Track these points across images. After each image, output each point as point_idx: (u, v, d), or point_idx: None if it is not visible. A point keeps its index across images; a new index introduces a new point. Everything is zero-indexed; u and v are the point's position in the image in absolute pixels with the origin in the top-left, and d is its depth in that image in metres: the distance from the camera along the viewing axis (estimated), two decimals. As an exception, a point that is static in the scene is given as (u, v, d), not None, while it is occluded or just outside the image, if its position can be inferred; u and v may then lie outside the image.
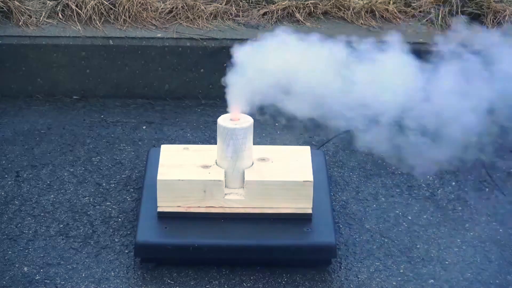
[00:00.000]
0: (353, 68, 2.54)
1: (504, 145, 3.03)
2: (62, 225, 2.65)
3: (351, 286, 2.45)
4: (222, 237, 2.47)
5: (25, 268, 2.47)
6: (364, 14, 3.44)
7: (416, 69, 2.59)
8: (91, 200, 2.76)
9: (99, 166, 2.93)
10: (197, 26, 3.38)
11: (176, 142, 3.08)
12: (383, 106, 2.56)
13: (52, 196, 2.78)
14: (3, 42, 3.28)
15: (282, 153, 2.65)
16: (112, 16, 3.38)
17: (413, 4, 3.52)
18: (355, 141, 2.82)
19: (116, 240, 2.59)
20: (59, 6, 3.39)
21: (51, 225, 2.65)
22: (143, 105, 3.31)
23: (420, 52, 2.72)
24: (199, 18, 3.40)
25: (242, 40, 2.97)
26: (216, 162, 2.56)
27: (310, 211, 2.52)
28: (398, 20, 3.46)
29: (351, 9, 3.45)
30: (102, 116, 3.23)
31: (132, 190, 2.81)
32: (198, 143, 3.05)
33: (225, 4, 3.46)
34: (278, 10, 3.43)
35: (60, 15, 3.38)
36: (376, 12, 3.46)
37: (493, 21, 3.43)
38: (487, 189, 2.84)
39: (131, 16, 3.38)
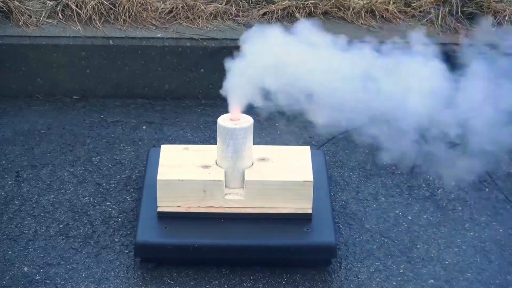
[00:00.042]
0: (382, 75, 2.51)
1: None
2: (62, 225, 2.65)
3: (351, 286, 2.45)
4: (222, 237, 2.47)
5: (25, 268, 2.47)
6: (364, 14, 3.44)
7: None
8: (91, 200, 2.76)
9: (99, 166, 2.93)
10: (197, 26, 3.38)
11: (176, 142, 3.08)
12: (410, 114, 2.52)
13: (52, 196, 2.78)
14: (3, 42, 3.28)
15: (282, 153, 2.64)
16: (112, 16, 3.38)
17: (413, 4, 3.52)
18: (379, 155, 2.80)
19: (116, 240, 2.59)
20: (59, 6, 3.39)
21: (51, 225, 2.65)
22: (143, 105, 3.31)
23: (447, 53, 2.69)
24: (199, 18, 3.40)
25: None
26: (216, 162, 2.56)
27: (310, 211, 2.52)
28: (398, 20, 3.46)
29: (351, 9, 3.45)
30: (102, 116, 3.23)
31: (132, 190, 2.81)
32: (198, 143, 3.05)
33: (225, 4, 3.46)
34: (278, 10, 3.43)
35: (60, 15, 3.38)
36: (376, 12, 3.46)
37: (493, 21, 3.43)
38: (487, 189, 2.84)
39: (131, 16, 3.38)
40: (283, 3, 3.45)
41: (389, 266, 2.51)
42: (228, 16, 3.43)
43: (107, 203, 2.75)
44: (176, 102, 3.33)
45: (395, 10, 3.48)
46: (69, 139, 3.08)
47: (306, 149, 2.67)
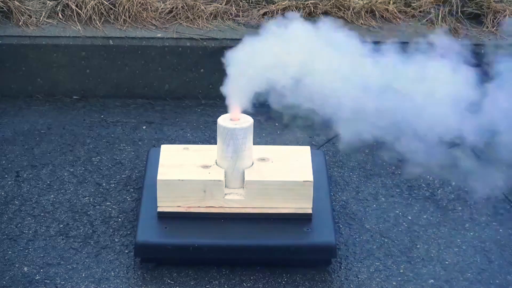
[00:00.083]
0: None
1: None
2: (62, 225, 2.65)
3: (351, 286, 2.45)
4: (222, 237, 2.47)
5: (25, 268, 2.47)
6: (364, 14, 3.44)
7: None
8: (91, 200, 2.76)
9: (99, 166, 2.93)
10: (197, 26, 3.38)
11: (176, 142, 3.08)
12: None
13: (52, 196, 2.78)
14: (3, 42, 3.28)
15: (282, 153, 2.65)
16: (112, 16, 3.38)
17: (413, 4, 3.52)
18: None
19: (116, 240, 2.59)
20: (59, 6, 3.39)
21: (51, 225, 2.65)
22: (143, 105, 3.31)
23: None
24: (199, 18, 3.40)
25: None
26: (216, 162, 2.56)
27: (310, 211, 2.52)
28: (398, 20, 3.46)
29: (351, 9, 3.45)
30: (102, 116, 3.23)
31: (132, 190, 2.81)
32: (198, 143, 3.05)
33: (225, 4, 3.46)
34: (278, 10, 3.43)
35: (60, 15, 3.38)
36: (376, 12, 3.46)
37: (493, 21, 3.43)
38: (487, 189, 2.83)
39: (131, 16, 3.38)
40: (283, 3, 3.45)
41: (389, 266, 2.51)
42: (228, 16, 3.43)
43: (107, 203, 2.75)
44: (176, 102, 3.33)
45: (395, 10, 3.48)
46: (69, 139, 3.08)
47: (306, 149, 2.67)
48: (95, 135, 3.11)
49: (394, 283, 2.46)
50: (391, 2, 3.50)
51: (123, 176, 2.88)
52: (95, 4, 3.37)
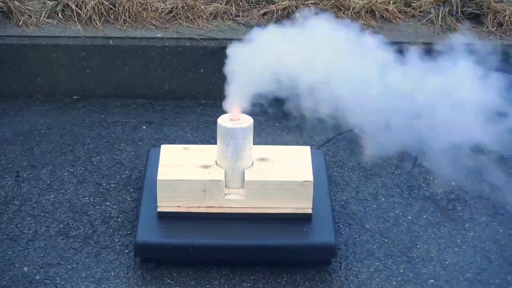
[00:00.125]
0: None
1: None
2: (62, 225, 2.65)
3: (351, 286, 2.45)
4: (222, 237, 2.47)
5: (25, 268, 2.47)
6: (364, 14, 3.44)
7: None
8: (91, 200, 2.76)
9: (99, 166, 2.93)
10: (197, 26, 3.38)
11: (176, 142, 3.08)
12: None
13: (52, 196, 2.78)
14: (3, 42, 3.29)
15: (282, 153, 2.64)
16: (112, 16, 3.38)
17: (413, 4, 3.52)
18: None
19: (116, 240, 2.59)
20: (59, 6, 3.39)
21: (51, 225, 2.65)
22: (143, 105, 3.31)
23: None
24: (199, 18, 3.40)
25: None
26: (216, 162, 2.56)
27: (310, 211, 2.52)
28: (398, 20, 3.46)
29: (351, 9, 3.45)
30: (102, 116, 3.23)
31: (132, 190, 2.81)
32: (198, 143, 3.05)
33: (225, 4, 3.46)
34: (278, 10, 3.43)
35: (60, 15, 3.38)
36: (376, 12, 3.46)
37: (493, 21, 3.43)
38: (487, 189, 2.83)
39: (131, 16, 3.38)
40: (283, 3, 3.45)
41: (389, 266, 2.51)
42: (228, 16, 3.43)
43: (107, 203, 2.75)
44: (176, 102, 3.33)
45: (395, 10, 3.48)
46: (69, 139, 3.08)
47: (306, 149, 2.67)
48: (95, 135, 3.11)
49: (394, 283, 2.46)
50: (391, 2, 3.50)
51: (123, 176, 2.88)
52: (95, 4, 3.37)
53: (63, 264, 2.49)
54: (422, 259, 2.54)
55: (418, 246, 2.60)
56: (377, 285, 2.45)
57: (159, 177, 2.51)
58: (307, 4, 3.45)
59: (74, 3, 3.38)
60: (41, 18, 3.37)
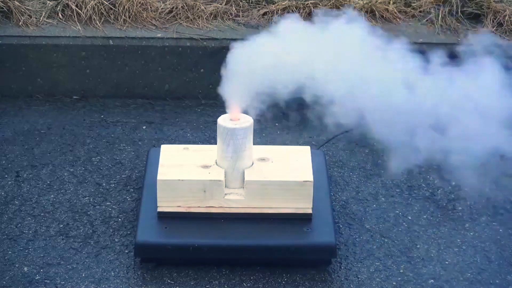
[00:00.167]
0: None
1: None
2: (62, 225, 2.65)
3: (351, 286, 2.45)
4: (222, 237, 2.47)
5: (25, 268, 2.47)
6: (364, 14, 3.44)
7: None
8: (91, 200, 2.76)
9: (99, 166, 2.93)
10: (197, 26, 3.38)
11: (176, 142, 3.08)
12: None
13: (52, 196, 2.78)
14: (3, 42, 3.29)
15: (282, 153, 2.64)
16: (112, 16, 3.38)
17: (413, 4, 3.52)
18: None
19: (116, 240, 2.59)
20: (59, 6, 3.39)
21: (51, 225, 2.65)
22: (143, 105, 3.31)
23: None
24: (199, 18, 3.40)
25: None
26: (216, 162, 2.56)
27: (310, 211, 2.52)
28: (398, 20, 3.46)
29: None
30: (102, 116, 3.23)
31: (132, 190, 2.81)
32: (198, 143, 3.05)
33: (225, 4, 3.46)
34: (278, 10, 3.43)
35: (60, 15, 3.38)
36: (376, 12, 3.46)
37: (493, 21, 3.43)
38: (487, 189, 2.83)
39: (131, 16, 3.38)
40: (283, 3, 3.45)
41: (389, 266, 2.51)
42: (228, 16, 3.43)
43: (107, 203, 2.75)
44: (176, 102, 3.33)
45: (395, 10, 3.48)
46: (69, 139, 3.08)
47: (306, 149, 2.67)
48: (95, 135, 3.11)
49: (394, 283, 2.45)
50: (391, 2, 3.50)
51: (123, 176, 2.88)
52: (95, 4, 3.37)
53: (63, 264, 2.49)
54: (422, 259, 2.54)
55: (418, 246, 2.60)
56: (377, 285, 2.45)
57: (159, 177, 2.51)
58: (307, 4, 3.45)
59: (74, 3, 3.38)
60: (41, 18, 3.37)
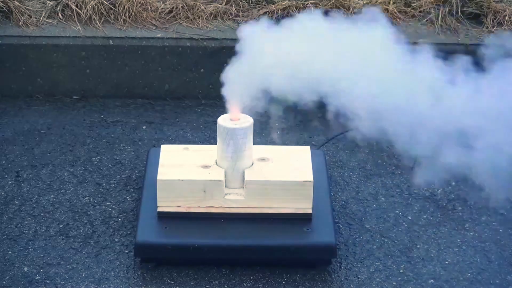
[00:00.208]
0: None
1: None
2: (62, 225, 2.65)
3: (351, 286, 2.45)
4: (222, 237, 2.47)
5: (25, 268, 2.47)
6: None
7: None
8: (91, 200, 2.76)
9: (99, 166, 2.93)
10: (197, 26, 3.38)
11: (176, 142, 3.08)
12: None
13: (52, 196, 2.78)
14: (3, 42, 3.28)
15: (282, 153, 2.64)
16: (112, 16, 3.38)
17: (413, 4, 3.52)
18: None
19: (116, 240, 2.59)
20: (59, 6, 3.39)
21: (51, 225, 2.65)
22: (143, 105, 3.31)
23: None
24: (199, 18, 3.40)
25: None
26: (216, 162, 2.56)
27: (310, 211, 2.52)
28: (398, 20, 3.46)
29: (351, 9, 3.45)
30: (102, 116, 3.23)
31: (132, 190, 2.81)
32: (198, 143, 3.05)
33: (225, 4, 3.46)
34: (278, 10, 3.43)
35: (60, 15, 3.38)
36: (376, 12, 3.46)
37: (493, 21, 3.43)
38: (487, 189, 2.83)
39: (131, 16, 3.38)
40: (283, 3, 3.45)
41: (389, 266, 2.51)
42: (228, 16, 3.43)
43: (107, 203, 2.75)
44: (176, 102, 3.33)
45: (395, 10, 3.48)
46: (69, 139, 3.08)
47: (306, 149, 2.67)
48: (95, 135, 3.11)
49: (394, 283, 2.46)
50: (391, 2, 3.50)
51: (123, 176, 2.88)
52: (95, 4, 3.37)
53: (63, 264, 2.49)
54: (422, 259, 2.54)
55: (418, 246, 2.60)
56: (377, 285, 2.45)
57: (159, 177, 2.51)
58: (307, 4, 3.45)
59: (74, 3, 3.38)
60: (41, 18, 3.37)
